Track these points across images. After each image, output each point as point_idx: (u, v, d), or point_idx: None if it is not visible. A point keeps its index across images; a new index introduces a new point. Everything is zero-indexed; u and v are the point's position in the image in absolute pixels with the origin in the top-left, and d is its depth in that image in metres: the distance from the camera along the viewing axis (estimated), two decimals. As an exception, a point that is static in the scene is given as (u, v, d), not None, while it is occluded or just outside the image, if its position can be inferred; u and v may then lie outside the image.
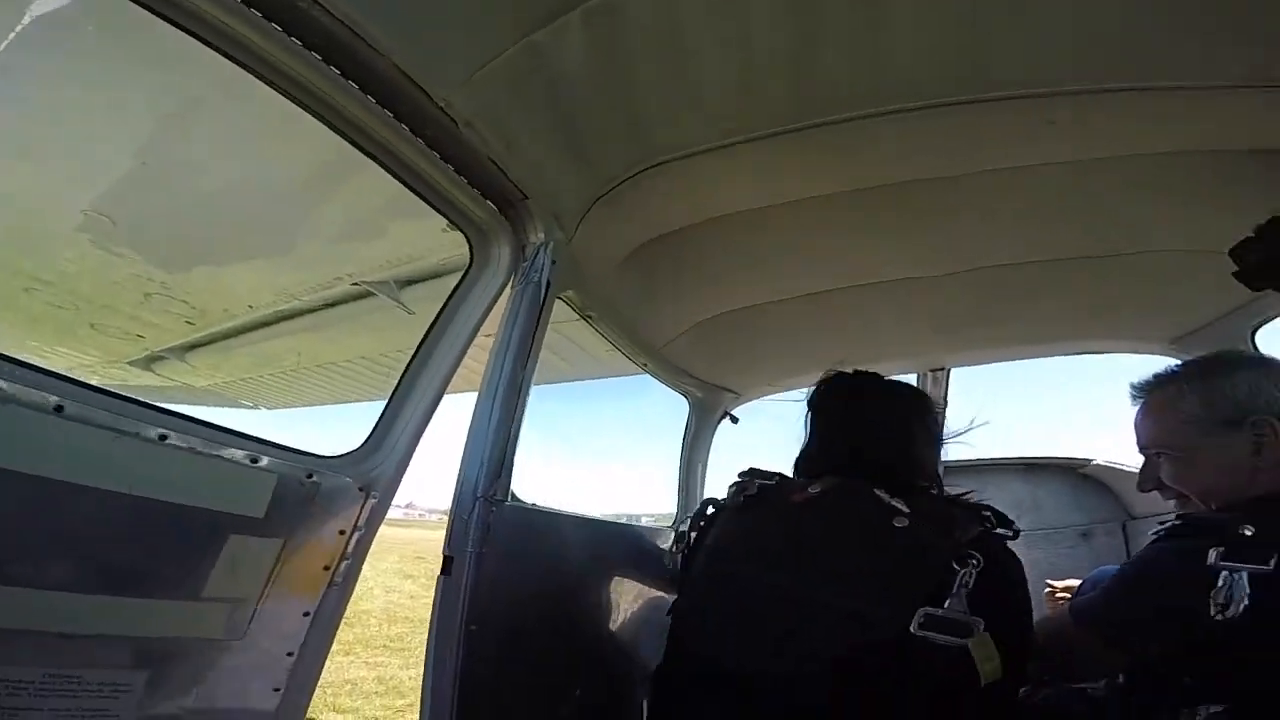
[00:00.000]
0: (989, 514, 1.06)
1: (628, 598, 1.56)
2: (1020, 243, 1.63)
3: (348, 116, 0.98)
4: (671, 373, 2.13)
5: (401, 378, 1.21)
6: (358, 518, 1.09)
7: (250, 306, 2.26)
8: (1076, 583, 1.66)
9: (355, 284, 1.95)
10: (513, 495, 1.17)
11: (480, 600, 1.06)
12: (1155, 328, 2.04)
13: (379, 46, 0.88)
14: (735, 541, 1.13)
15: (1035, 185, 1.38)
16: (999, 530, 1.05)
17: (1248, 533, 0.95)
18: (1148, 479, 1.24)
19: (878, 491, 1.05)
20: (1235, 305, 1.80)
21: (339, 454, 1.11)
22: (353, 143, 1.03)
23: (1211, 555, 0.94)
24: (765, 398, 2.47)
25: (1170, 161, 1.31)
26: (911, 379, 2.41)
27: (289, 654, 1.04)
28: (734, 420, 2.41)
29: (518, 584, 1.19)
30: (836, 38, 0.98)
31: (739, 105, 1.13)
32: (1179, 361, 1.25)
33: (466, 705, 1.04)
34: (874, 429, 1.20)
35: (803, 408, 1.30)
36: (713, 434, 2.39)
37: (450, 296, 1.28)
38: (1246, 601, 0.90)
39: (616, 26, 0.95)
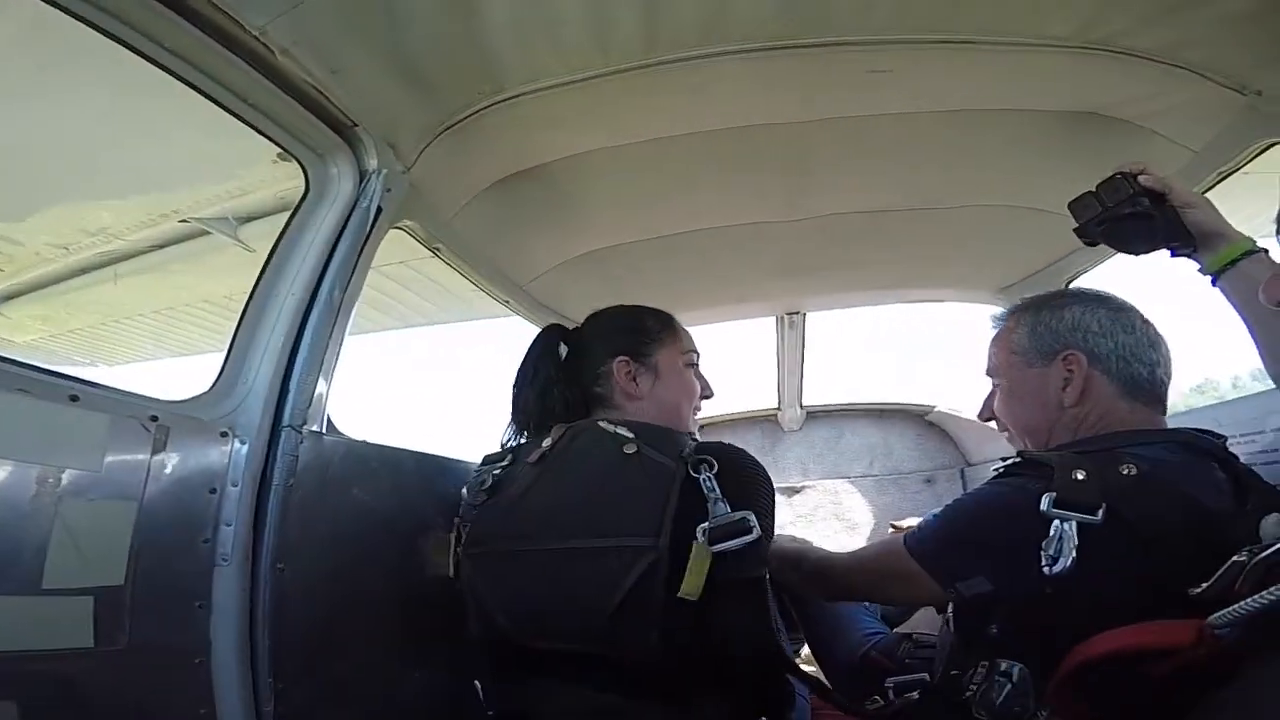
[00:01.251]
0: None
1: None
2: (862, 191, 1.73)
3: (158, 41, 0.88)
4: (538, 311, 2.12)
5: (242, 315, 1.10)
6: (228, 470, 0.96)
7: (65, 248, 2.03)
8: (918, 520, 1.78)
9: (184, 220, 1.79)
10: (330, 426, 1.14)
11: (290, 538, 1.00)
12: (982, 279, 2.23)
13: None
14: (485, 527, 1.08)
15: (873, 135, 1.45)
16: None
17: (1079, 477, 0.86)
18: (985, 408, 1.22)
19: (601, 424, 1.05)
20: (1056, 258, 1.99)
21: (185, 398, 0.98)
22: (163, 67, 0.92)
23: (1044, 501, 0.86)
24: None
25: (997, 118, 1.41)
26: (770, 322, 2.55)
27: (197, 660, 0.89)
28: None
29: (336, 520, 1.13)
30: None
31: (590, 39, 1.12)
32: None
33: (280, 649, 0.98)
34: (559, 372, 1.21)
35: None
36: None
37: (287, 225, 1.20)
38: (1074, 555, 0.83)
39: None
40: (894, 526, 1.80)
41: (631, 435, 1.00)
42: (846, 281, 2.28)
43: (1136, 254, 1.04)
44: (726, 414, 3.01)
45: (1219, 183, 1.32)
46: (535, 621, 1.00)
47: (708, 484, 0.93)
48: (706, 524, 0.90)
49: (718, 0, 1.05)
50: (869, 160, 1.58)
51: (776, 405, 2.92)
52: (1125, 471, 0.86)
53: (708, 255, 1.99)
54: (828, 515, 2.88)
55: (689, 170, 1.58)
